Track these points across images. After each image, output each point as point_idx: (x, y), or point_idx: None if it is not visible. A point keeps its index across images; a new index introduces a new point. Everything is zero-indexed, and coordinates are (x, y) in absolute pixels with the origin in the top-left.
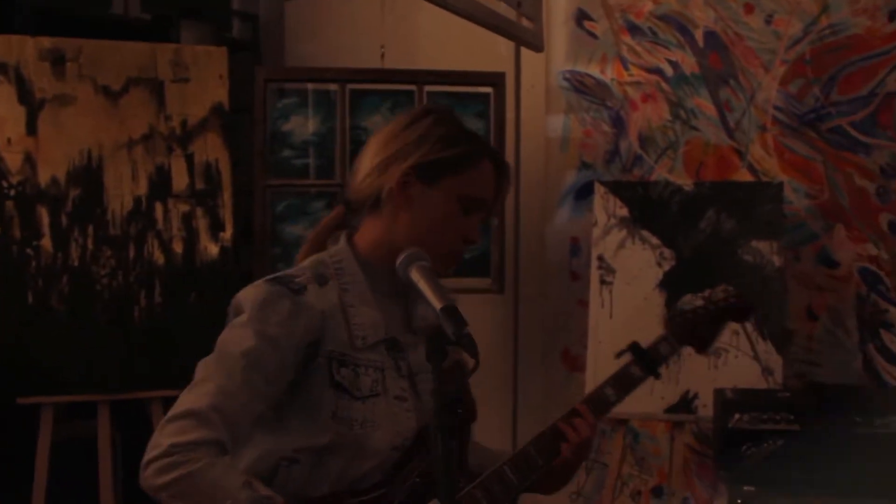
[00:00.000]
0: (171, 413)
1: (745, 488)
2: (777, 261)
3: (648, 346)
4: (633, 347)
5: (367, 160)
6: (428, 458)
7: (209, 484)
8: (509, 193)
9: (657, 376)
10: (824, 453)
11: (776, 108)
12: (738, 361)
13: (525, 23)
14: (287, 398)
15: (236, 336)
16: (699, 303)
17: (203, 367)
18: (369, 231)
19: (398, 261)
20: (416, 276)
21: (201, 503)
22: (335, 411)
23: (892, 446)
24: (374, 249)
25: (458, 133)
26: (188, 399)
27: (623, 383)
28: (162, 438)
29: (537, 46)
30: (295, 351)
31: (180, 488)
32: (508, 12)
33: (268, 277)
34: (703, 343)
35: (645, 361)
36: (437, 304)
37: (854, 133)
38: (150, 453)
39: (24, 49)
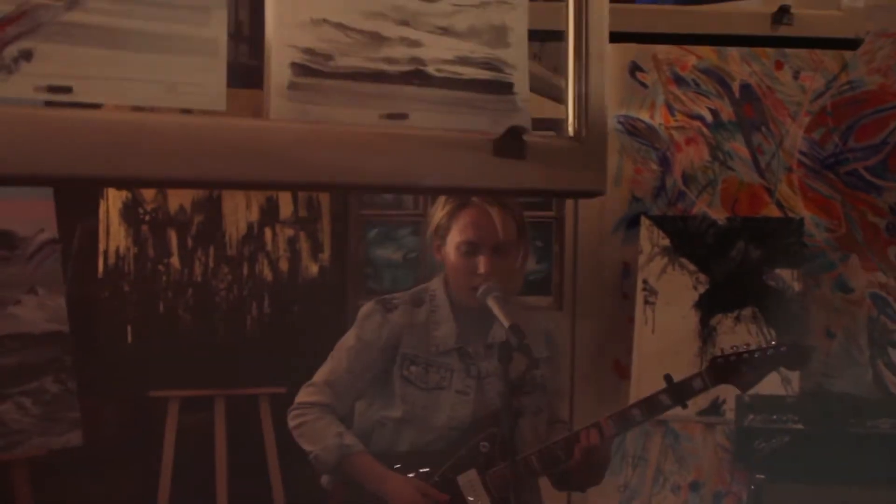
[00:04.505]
0: (307, 383)
1: (757, 477)
2: (797, 286)
3: (681, 380)
4: (667, 379)
5: None
6: (477, 439)
7: (316, 430)
8: (518, 228)
9: (684, 407)
10: (823, 449)
11: (801, 152)
12: None
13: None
14: (379, 382)
15: (348, 337)
16: (743, 348)
17: (329, 357)
18: None
19: (479, 292)
20: (491, 303)
21: (311, 441)
22: (404, 396)
23: (879, 444)
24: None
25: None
26: (317, 374)
27: (650, 407)
28: (298, 397)
29: None
30: (381, 350)
31: (301, 431)
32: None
33: (376, 298)
34: (745, 385)
35: (675, 393)
36: (506, 323)
37: (868, 176)
38: (292, 406)
39: None
